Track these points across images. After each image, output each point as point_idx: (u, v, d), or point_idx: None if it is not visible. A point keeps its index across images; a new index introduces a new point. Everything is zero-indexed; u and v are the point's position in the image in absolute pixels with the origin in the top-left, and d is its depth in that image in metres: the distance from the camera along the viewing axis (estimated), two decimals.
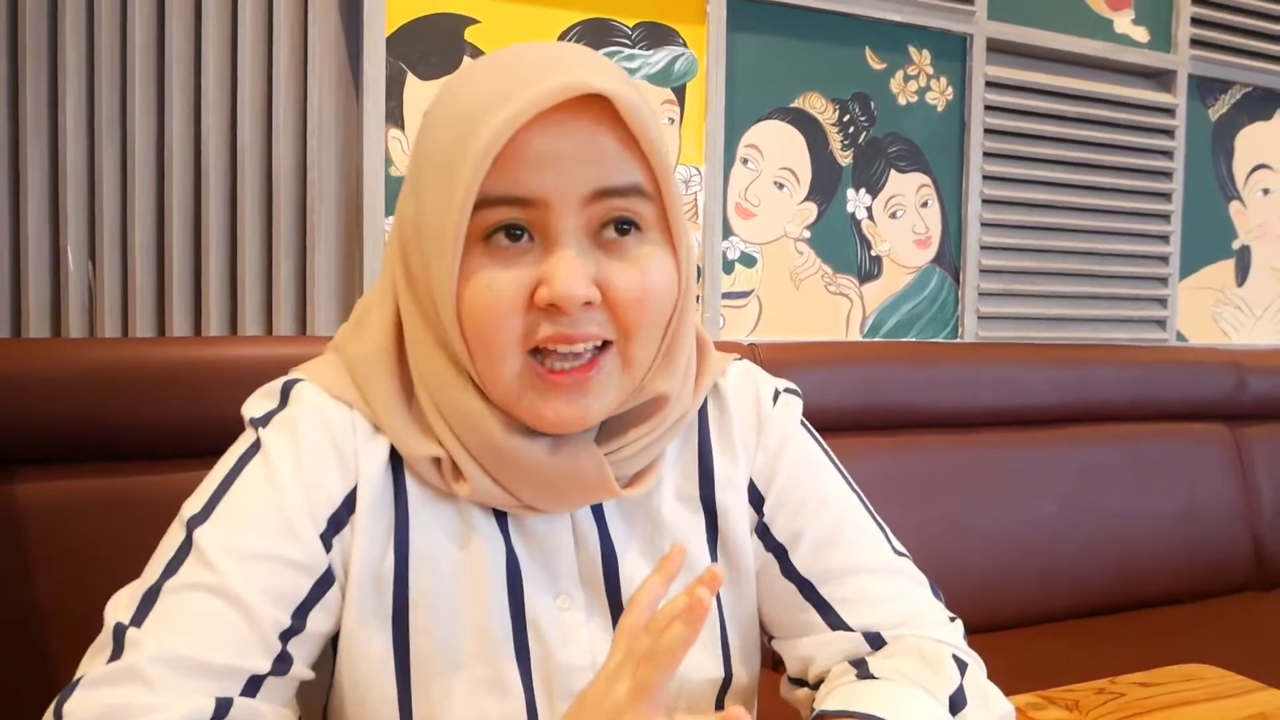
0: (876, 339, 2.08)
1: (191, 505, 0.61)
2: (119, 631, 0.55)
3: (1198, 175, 2.43)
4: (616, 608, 0.69)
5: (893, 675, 0.65)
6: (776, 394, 0.76)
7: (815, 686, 0.71)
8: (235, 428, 0.66)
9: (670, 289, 0.62)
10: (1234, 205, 2.50)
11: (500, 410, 0.62)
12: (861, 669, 0.67)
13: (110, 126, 1.47)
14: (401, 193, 0.66)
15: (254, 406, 0.66)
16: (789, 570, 0.73)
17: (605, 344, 0.60)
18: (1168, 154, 2.36)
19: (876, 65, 2.05)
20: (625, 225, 0.60)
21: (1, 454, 1.17)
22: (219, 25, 1.52)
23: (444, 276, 0.58)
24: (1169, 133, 2.35)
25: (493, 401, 0.62)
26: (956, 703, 0.65)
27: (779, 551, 0.73)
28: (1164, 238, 2.37)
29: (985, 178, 2.16)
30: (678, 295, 0.63)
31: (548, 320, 0.58)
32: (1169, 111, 2.35)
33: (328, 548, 0.61)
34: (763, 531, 0.74)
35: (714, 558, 0.73)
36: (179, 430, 1.22)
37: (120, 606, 0.57)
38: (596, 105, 0.58)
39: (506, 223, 0.58)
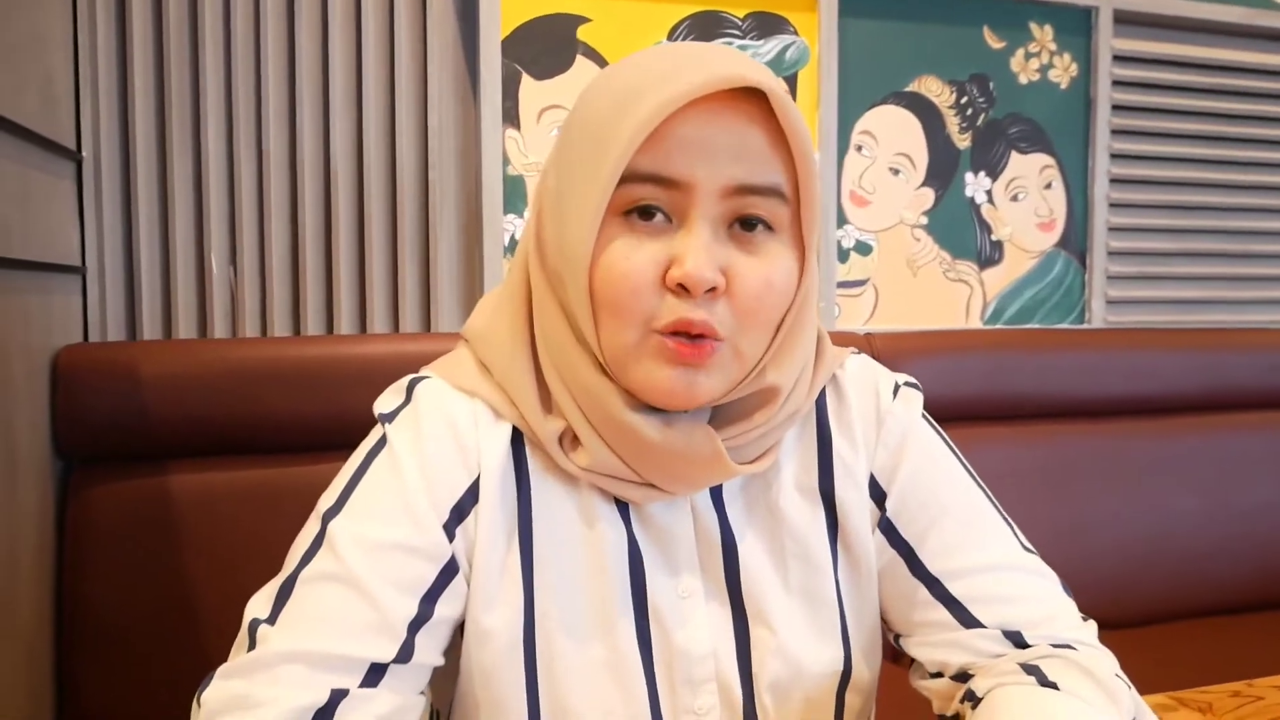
0: (998, 326, 2.02)
1: (327, 499, 0.65)
2: (253, 627, 0.59)
3: None
4: (736, 595, 0.69)
5: (1074, 692, 0.62)
6: (896, 388, 0.75)
7: (956, 678, 0.69)
8: (366, 421, 0.69)
9: (789, 289, 0.63)
10: None
11: (618, 386, 0.63)
12: (1038, 675, 0.63)
13: (247, 142, 1.55)
14: (544, 167, 0.68)
15: (383, 403, 0.69)
16: (918, 568, 0.71)
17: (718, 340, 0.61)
18: None
19: (995, 44, 1.99)
20: (755, 222, 0.61)
21: (156, 449, 1.27)
22: (344, 38, 1.59)
23: (580, 241, 0.60)
24: None
25: (608, 374, 0.63)
26: None
27: (906, 550, 0.72)
28: None
29: (1113, 156, 2.07)
30: (794, 295, 0.64)
31: (674, 299, 0.59)
32: None
33: (450, 537, 0.64)
34: (887, 528, 0.72)
35: (834, 551, 0.72)
36: (314, 424, 1.29)
37: (258, 604, 0.61)
38: (750, 103, 0.59)
39: (644, 202, 0.60)
